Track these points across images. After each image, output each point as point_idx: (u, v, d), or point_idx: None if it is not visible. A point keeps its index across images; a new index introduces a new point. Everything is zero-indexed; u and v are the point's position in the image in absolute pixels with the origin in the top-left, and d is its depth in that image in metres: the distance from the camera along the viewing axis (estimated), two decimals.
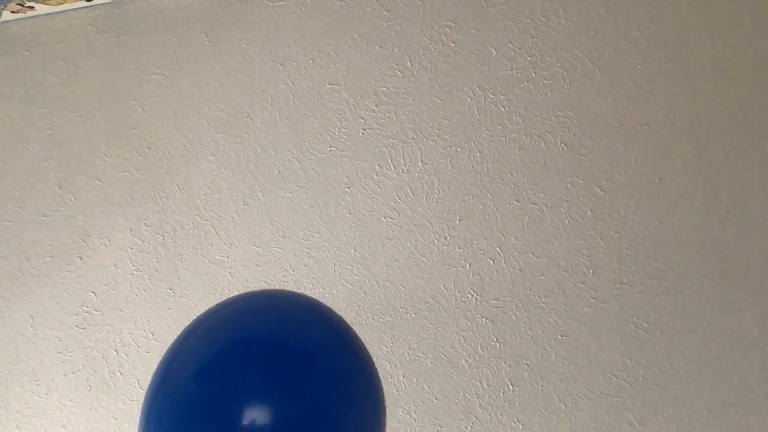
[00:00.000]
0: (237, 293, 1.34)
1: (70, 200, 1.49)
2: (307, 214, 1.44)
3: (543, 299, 1.41)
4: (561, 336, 1.42)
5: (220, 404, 0.73)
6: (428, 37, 1.38)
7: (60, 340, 1.51)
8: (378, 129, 1.41)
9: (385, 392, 0.89)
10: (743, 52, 1.33)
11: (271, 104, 1.43)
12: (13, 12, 1.44)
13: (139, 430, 0.78)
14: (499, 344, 1.43)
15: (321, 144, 1.43)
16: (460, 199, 1.41)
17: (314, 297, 1.07)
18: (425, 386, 1.45)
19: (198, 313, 0.90)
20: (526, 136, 1.38)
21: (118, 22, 1.45)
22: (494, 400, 1.44)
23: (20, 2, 1.42)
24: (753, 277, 1.38)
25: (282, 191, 1.44)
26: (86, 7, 1.45)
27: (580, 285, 1.40)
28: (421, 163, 1.41)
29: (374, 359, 0.90)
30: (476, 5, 1.37)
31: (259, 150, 1.44)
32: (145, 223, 1.48)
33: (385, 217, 1.43)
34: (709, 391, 1.40)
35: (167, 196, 1.47)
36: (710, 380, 1.40)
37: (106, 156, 1.48)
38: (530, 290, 1.41)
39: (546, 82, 1.37)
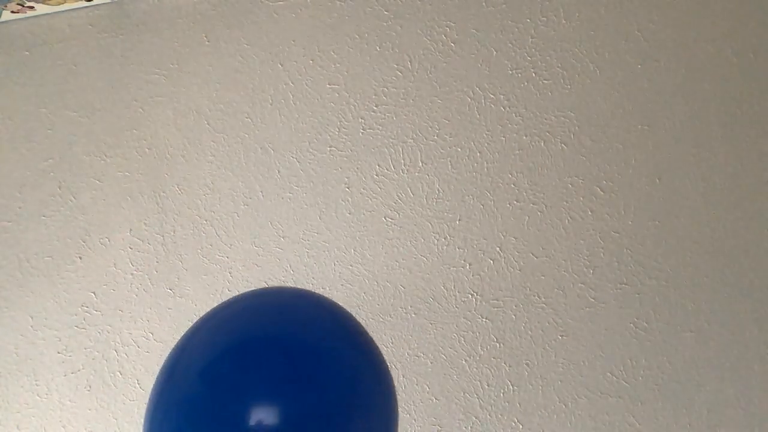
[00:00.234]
0: (237, 293, 1.34)
1: (70, 200, 1.49)
2: (307, 214, 1.44)
3: (543, 299, 1.41)
4: (561, 336, 1.42)
5: (226, 406, 0.71)
6: (428, 37, 1.38)
7: (60, 340, 1.51)
8: (378, 129, 1.41)
9: None
10: (743, 52, 1.33)
11: (271, 104, 1.43)
12: (13, 12, 1.45)
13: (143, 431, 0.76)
14: (499, 344, 1.43)
15: (321, 144, 1.43)
16: (460, 199, 1.41)
17: None
18: (425, 386, 1.45)
19: (198, 313, 0.89)
20: (526, 136, 1.38)
21: (118, 22, 1.45)
22: (494, 400, 1.44)
23: (20, 2, 1.42)
24: (753, 277, 1.38)
25: (282, 191, 1.44)
26: (86, 7, 1.45)
27: (580, 285, 1.40)
28: (421, 163, 1.41)
29: None
30: (476, 5, 1.37)
31: (259, 150, 1.44)
32: (145, 223, 1.48)
33: (385, 217, 1.43)
34: (709, 391, 1.40)
35: (167, 196, 1.47)
36: (710, 380, 1.40)
37: (106, 156, 1.48)
38: (530, 290, 1.41)
39: (546, 82, 1.37)
